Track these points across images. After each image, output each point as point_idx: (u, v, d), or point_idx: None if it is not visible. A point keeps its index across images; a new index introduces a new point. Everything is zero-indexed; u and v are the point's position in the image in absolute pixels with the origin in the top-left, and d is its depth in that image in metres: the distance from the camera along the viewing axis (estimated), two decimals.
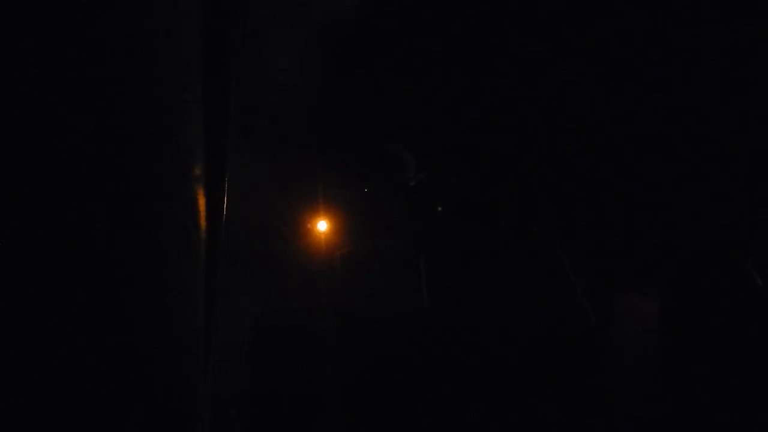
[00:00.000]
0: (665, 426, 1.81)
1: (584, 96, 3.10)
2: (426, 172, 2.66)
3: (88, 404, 0.69)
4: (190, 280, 0.80)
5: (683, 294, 1.85)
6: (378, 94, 3.17)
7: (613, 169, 2.99)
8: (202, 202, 0.80)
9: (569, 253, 2.46)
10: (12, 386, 0.65)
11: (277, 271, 2.42)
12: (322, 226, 2.52)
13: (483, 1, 3.14)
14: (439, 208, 2.68)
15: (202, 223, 0.80)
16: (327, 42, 2.91)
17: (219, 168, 0.89)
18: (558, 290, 2.32)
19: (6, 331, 0.65)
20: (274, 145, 2.72)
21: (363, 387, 2.18)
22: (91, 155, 0.68)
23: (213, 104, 0.85)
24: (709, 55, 2.93)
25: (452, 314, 2.26)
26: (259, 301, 2.32)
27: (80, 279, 0.69)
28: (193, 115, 0.79)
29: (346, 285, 2.32)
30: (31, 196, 0.65)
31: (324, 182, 2.64)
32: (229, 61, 0.90)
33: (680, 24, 2.96)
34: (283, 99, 2.73)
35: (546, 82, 3.13)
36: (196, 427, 0.82)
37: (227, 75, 0.90)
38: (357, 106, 3.15)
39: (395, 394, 2.14)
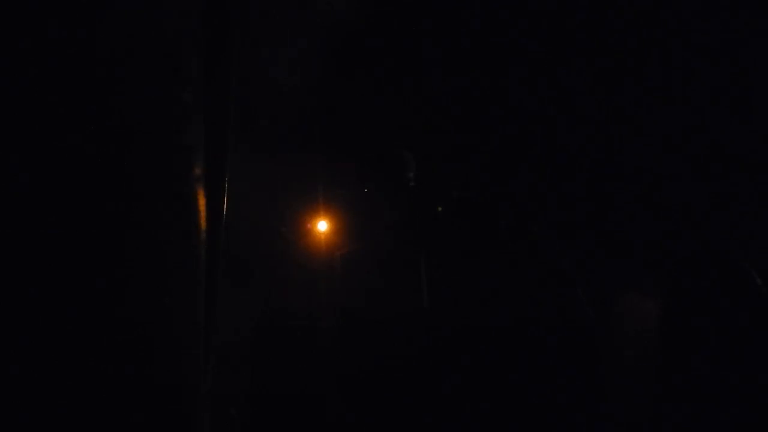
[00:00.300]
0: (665, 426, 1.81)
1: (585, 95, 3.10)
2: (412, 172, 2.65)
3: (87, 404, 0.69)
4: (190, 280, 0.80)
5: (683, 294, 1.84)
6: (378, 94, 3.18)
7: (613, 169, 2.99)
8: (202, 202, 0.80)
9: (569, 253, 2.46)
10: (10, 386, 0.65)
11: (277, 271, 2.42)
12: (322, 226, 2.52)
13: (483, 1, 3.15)
14: (439, 209, 2.68)
15: (202, 223, 0.80)
16: (327, 42, 2.91)
17: (219, 168, 0.89)
18: (558, 290, 2.32)
19: (5, 330, 0.65)
20: (274, 145, 2.72)
21: (363, 387, 2.18)
22: (90, 155, 0.68)
23: (213, 104, 0.86)
24: (710, 55, 2.93)
25: (452, 314, 2.26)
26: (259, 301, 2.32)
27: (79, 279, 0.69)
28: (193, 115, 0.79)
29: (346, 285, 2.32)
30: (31, 197, 0.65)
31: (324, 182, 2.64)
32: (229, 61, 0.90)
33: (680, 23, 2.96)
34: (284, 99, 2.73)
35: (546, 81, 3.13)
36: (196, 427, 0.81)
37: (227, 75, 0.90)
38: (357, 106, 3.15)
39: (395, 393, 2.14)
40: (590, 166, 3.01)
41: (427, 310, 2.29)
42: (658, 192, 2.89)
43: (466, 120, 3.17)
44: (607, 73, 3.05)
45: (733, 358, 1.76)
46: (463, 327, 2.22)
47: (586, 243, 2.70)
